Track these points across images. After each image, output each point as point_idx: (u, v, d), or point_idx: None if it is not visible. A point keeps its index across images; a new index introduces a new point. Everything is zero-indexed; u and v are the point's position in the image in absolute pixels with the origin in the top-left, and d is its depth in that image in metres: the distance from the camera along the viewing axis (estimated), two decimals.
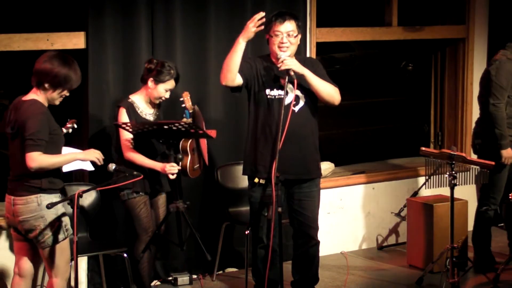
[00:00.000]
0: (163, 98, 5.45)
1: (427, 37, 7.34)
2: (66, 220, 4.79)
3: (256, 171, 5.24)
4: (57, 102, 4.77)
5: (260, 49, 5.90)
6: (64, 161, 4.74)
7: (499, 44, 6.38)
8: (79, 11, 5.88)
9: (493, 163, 5.71)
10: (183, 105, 5.55)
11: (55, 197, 4.75)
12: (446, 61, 7.56)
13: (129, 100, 5.44)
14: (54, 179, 4.75)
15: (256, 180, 5.19)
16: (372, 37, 7.12)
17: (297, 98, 5.19)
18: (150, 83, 5.38)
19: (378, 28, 7.16)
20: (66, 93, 4.74)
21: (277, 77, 5.18)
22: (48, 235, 4.74)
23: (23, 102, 4.72)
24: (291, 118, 5.08)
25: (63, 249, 4.80)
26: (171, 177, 5.33)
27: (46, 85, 4.67)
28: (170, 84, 5.41)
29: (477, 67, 7.31)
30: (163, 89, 5.39)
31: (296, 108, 5.19)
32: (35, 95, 4.72)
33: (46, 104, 4.73)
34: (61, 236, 4.77)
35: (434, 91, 7.74)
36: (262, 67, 5.24)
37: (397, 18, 7.15)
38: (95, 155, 4.81)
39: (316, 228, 5.40)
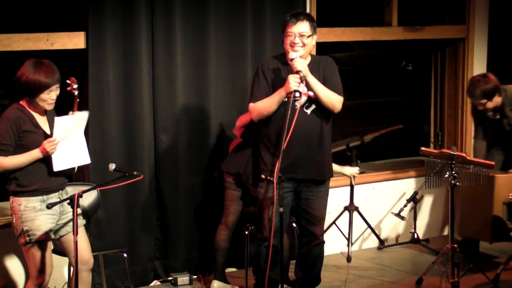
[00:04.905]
0: None
1: (427, 37, 7.34)
2: (31, 225, 4.66)
3: (267, 170, 5.23)
4: (47, 106, 4.70)
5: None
6: (23, 160, 4.62)
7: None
8: (79, 11, 5.88)
9: (492, 163, 5.72)
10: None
11: (24, 200, 4.66)
12: (446, 61, 7.57)
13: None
14: (27, 181, 4.66)
15: (263, 176, 5.19)
16: (372, 37, 7.12)
17: (309, 100, 5.19)
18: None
19: (378, 28, 7.16)
20: (46, 96, 4.65)
21: None
22: (16, 236, 4.72)
23: None
24: (303, 120, 5.10)
25: (30, 254, 4.71)
26: None
27: (24, 93, 4.69)
28: None
29: (477, 67, 7.31)
30: None
31: (308, 111, 5.18)
32: (24, 100, 4.73)
33: (36, 108, 4.70)
34: (22, 240, 4.69)
35: (434, 91, 7.74)
36: (273, 70, 5.24)
37: (397, 18, 7.15)
38: (50, 146, 4.63)
39: (321, 227, 5.41)
